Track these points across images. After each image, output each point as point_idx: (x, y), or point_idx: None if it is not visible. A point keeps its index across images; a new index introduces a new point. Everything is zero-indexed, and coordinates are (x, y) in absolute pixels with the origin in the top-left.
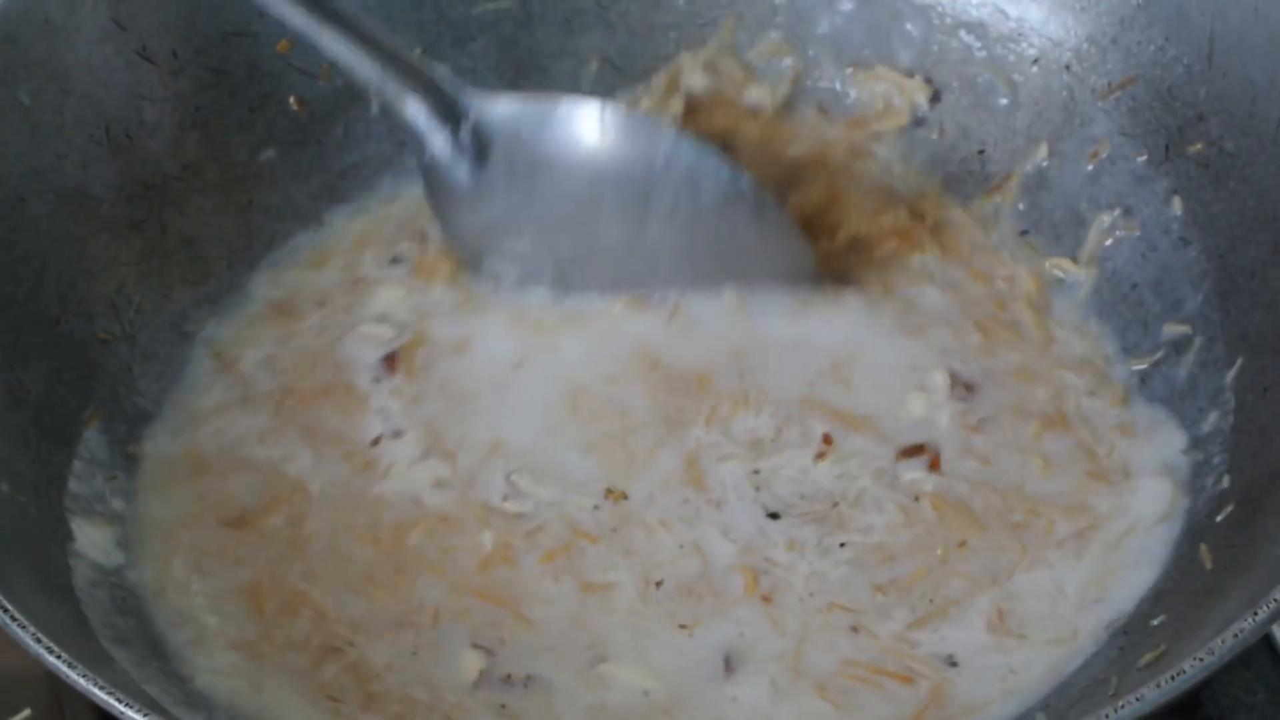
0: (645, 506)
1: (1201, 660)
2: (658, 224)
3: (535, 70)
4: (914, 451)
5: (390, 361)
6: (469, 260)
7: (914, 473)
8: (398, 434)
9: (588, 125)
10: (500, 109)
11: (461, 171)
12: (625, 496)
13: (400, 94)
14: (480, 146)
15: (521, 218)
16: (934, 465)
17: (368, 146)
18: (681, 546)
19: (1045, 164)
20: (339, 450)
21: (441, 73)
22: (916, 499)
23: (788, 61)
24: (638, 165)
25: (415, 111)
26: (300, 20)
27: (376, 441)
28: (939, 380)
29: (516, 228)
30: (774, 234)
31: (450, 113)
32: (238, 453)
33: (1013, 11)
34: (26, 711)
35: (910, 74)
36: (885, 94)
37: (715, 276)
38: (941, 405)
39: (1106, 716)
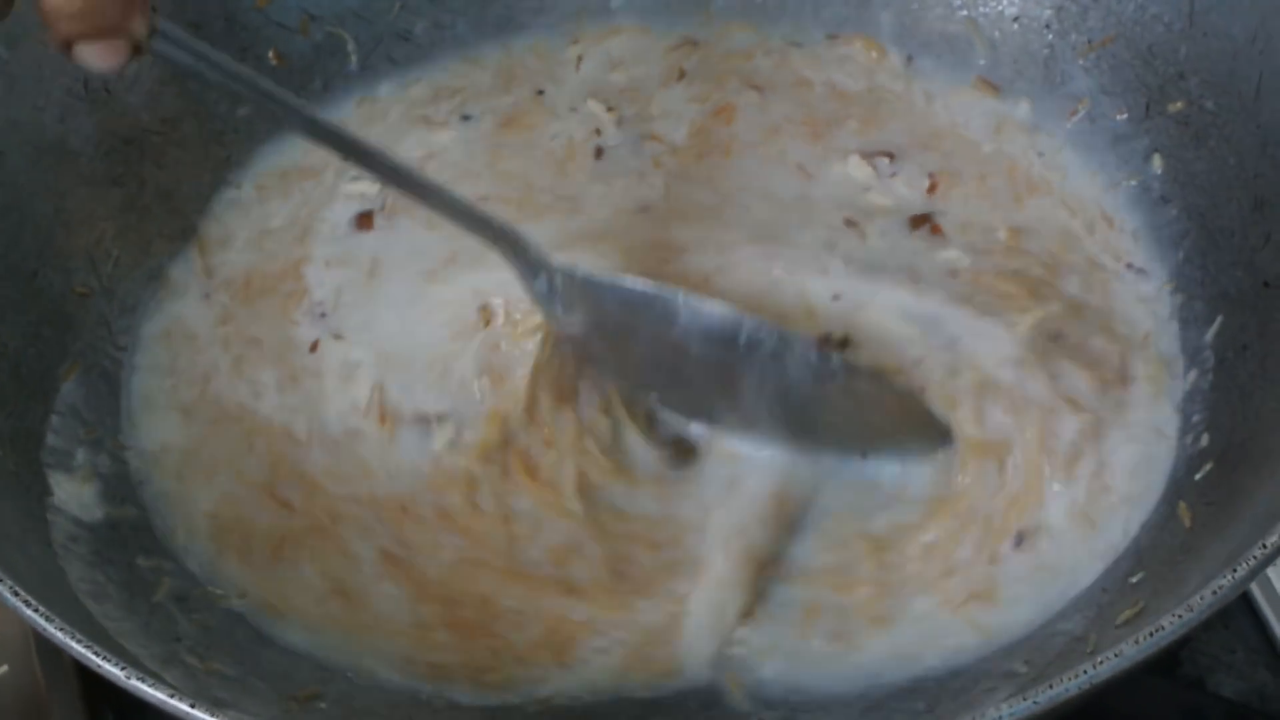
0: None
1: (1180, 617)
2: (749, 397)
3: (515, 27)
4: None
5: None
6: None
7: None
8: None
9: (664, 312)
10: (580, 281)
11: (558, 310)
12: None
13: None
14: (569, 300)
15: (613, 364)
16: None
17: (346, 101)
18: None
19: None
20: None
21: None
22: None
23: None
24: (718, 350)
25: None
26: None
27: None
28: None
29: (611, 368)
30: (886, 406)
31: (538, 267)
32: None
33: None
34: (4, 668)
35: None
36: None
37: (825, 442)
38: None
39: (1085, 673)
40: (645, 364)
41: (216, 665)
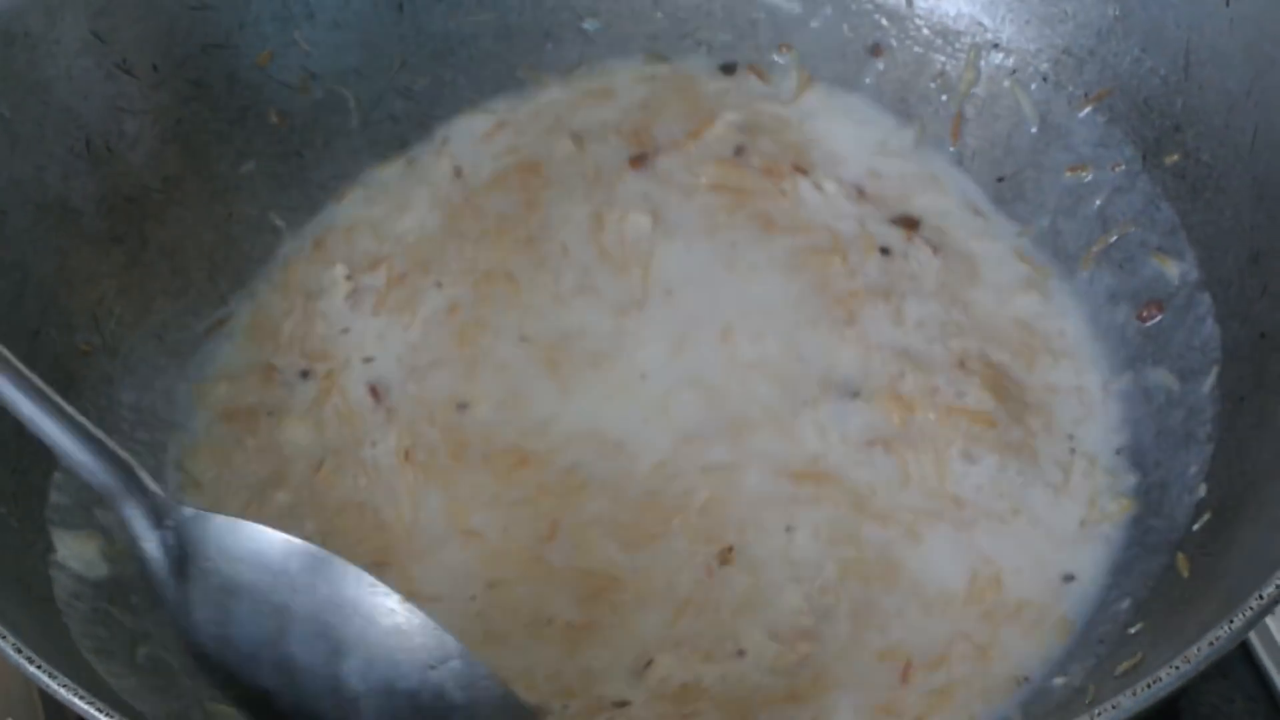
0: None
1: (1178, 668)
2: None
3: (514, 83)
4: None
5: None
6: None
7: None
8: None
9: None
10: (200, 525)
11: (166, 576)
12: None
13: (118, 492)
14: (182, 557)
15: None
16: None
17: (347, 159)
18: None
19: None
20: None
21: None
22: None
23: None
24: (329, 615)
25: (132, 513)
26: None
27: None
28: None
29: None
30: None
31: (159, 519)
32: None
33: (989, 23)
34: None
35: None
36: None
37: None
38: None
39: None
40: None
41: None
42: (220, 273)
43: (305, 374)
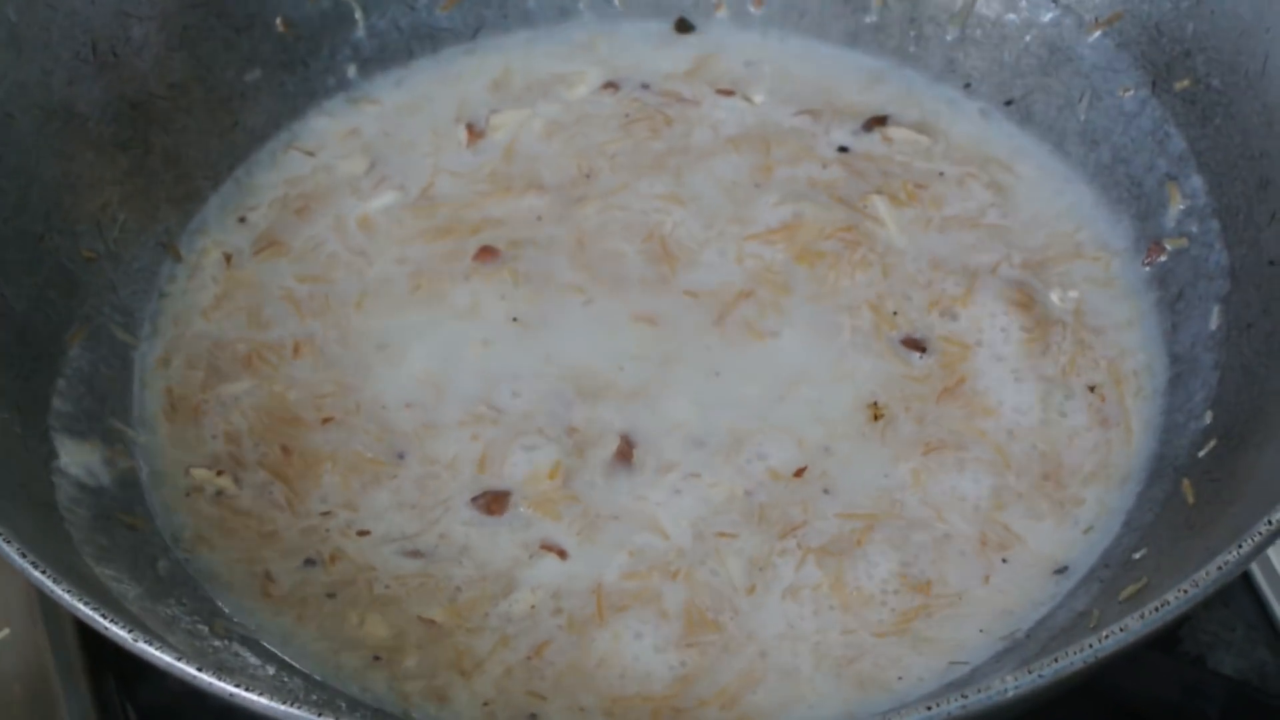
0: None
1: (1185, 592)
2: None
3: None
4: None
5: None
6: None
7: None
8: None
9: None
10: None
11: None
12: None
13: None
14: None
15: None
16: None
17: (351, 68)
18: None
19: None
20: None
21: None
22: None
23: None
24: None
25: None
26: None
27: None
28: None
29: None
30: None
31: None
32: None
33: None
34: (6, 631)
35: None
36: None
37: None
38: None
39: (1090, 647)
40: None
41: (221, 629)
42: (224, 180)
43: None
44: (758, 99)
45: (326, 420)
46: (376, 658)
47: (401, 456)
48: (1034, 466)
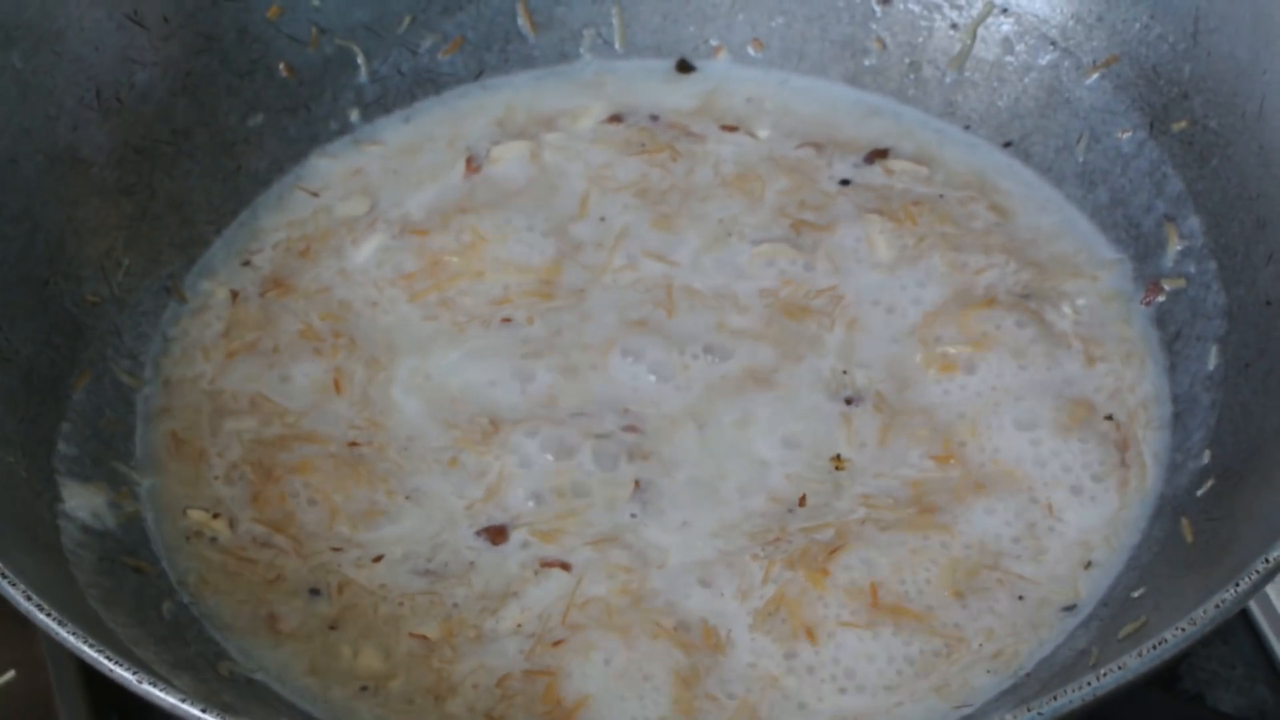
0: None
1: (1183, 630)
2: None
3: (520, 40)
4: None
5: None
6: None
7: None
8: None
9: None
10: None
11: None
12: None
13: None
14: None
15: None
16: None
17: (354, 112)
18: None
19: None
20: None
21: None
22: None
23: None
24: None
25: None
26: None
27: None
28: None
29: None
30: None
31: None
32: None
33: None
34: (11, 674)
35: None
36: None
37: None
38: None
39: (1088, 684)
40: None
41: (226, 670)
42: (227, 225)
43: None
44: (762, 134)
45: (333, 457)
46: (364, 688)
47: (408, 497)
48: None
